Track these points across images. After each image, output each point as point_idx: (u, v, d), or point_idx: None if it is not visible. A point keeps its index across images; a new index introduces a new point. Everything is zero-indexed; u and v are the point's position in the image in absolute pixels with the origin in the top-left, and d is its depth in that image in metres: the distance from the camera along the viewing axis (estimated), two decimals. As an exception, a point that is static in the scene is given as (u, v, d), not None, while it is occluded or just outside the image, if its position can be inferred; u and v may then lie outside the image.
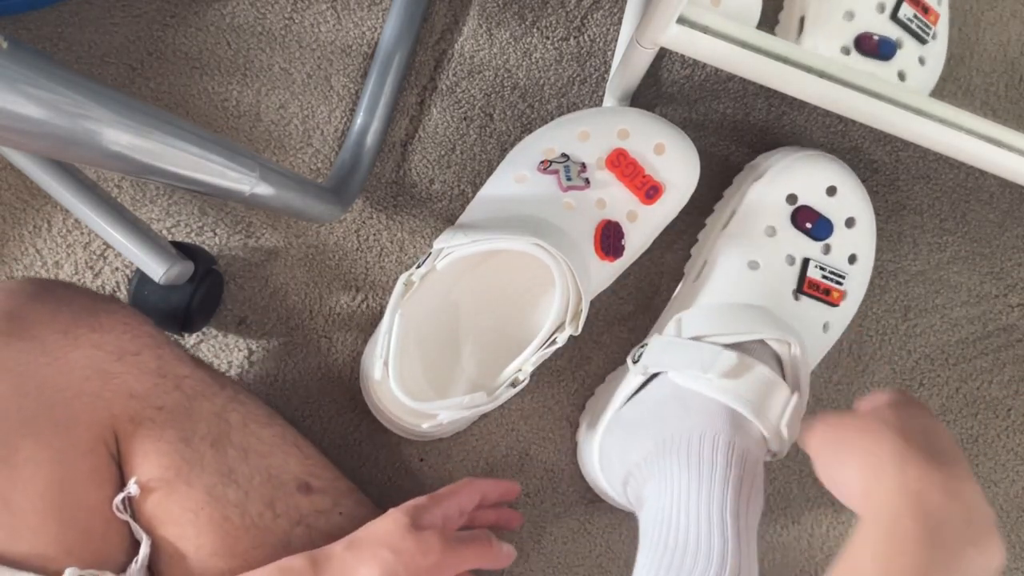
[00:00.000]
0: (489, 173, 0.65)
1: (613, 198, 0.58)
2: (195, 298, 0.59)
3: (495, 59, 0.65)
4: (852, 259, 0.60)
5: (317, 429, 0.63)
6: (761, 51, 0.49)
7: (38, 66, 0.31)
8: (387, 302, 0.64)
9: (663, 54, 0.65)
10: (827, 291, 0.58)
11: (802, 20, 0.60)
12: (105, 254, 0.64)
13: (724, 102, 0.65)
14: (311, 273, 0.64)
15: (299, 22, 0.65)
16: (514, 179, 0.59)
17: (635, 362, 0.57)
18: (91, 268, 0.64)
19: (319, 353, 0.64)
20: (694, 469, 0.49)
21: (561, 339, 0.55)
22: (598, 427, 0.59)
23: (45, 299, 0.48)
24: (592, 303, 0.60)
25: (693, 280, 0.60)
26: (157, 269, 0.55)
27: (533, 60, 0.65)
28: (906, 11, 0.59)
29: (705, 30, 0.49)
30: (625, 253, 0.59)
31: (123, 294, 0.63)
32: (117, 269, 0.64)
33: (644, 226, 0.59)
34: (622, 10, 0.65)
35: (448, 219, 0.65)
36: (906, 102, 0.51)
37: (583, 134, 0.59)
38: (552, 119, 0.65)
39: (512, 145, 0.64)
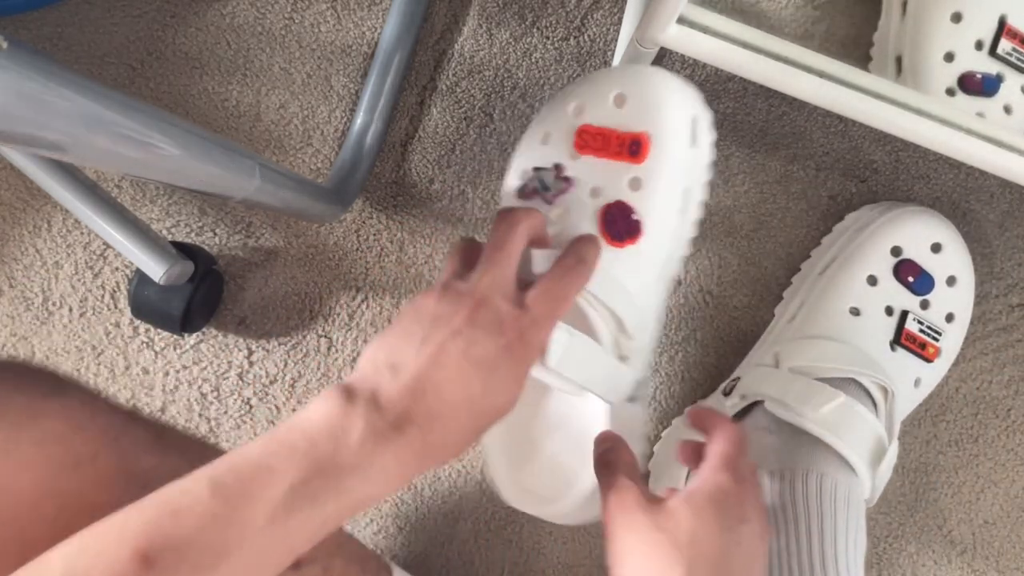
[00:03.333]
0: (489, 173, 0.65)
1: (603, 179, 0.47)
2: (195, 298, 0.59)
3: (495, 59, 0.65)
4: (949, 318, 0.60)
5: (317, 429, 0.63)
6: (761, 51, 0.49)
7: (38, 66, 0.31)
8: (387, 303, 0.64)
9: (663, 54, 0.65)
10: (923, 345, 0.58)
11: (899, 60, 0.60)
12: (105, 254, 0.64)
13: (724, 102, 0.65)
14: (311, 273, 0.64)
15: (299, 22, 0.65)
16: None
17: (727, 394, 0.56)
18: (91, 268, 0.63)
19: (319, 353, 0.64)
20: (801, 508, 0.49)
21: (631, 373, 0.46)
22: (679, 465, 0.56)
23: None
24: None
25: (788, 321, 0.60)
26: (157, 269, 0.55)
27: (533, 60, 0.65)
28: (1004, 46, 0.59)
29: (705, 30, 0.49)
30: (646, 226, 0.46)
31: (123, 294, 0.63)
32: (117, 269, 0.64)
33: (654, 185, 0.47)
34: (622, 10, 0.65)
35: (448, 219, 0.65)
36: (906, 102, 0.51)
37: (543, 136, 0.49)
38: (552, 119, 0.65)
39: (512, 145, 0.64)
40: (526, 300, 0.39)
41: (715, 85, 0.65)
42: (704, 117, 0.48)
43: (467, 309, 0.38)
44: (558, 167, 0.48)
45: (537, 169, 0.49)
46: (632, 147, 0.47)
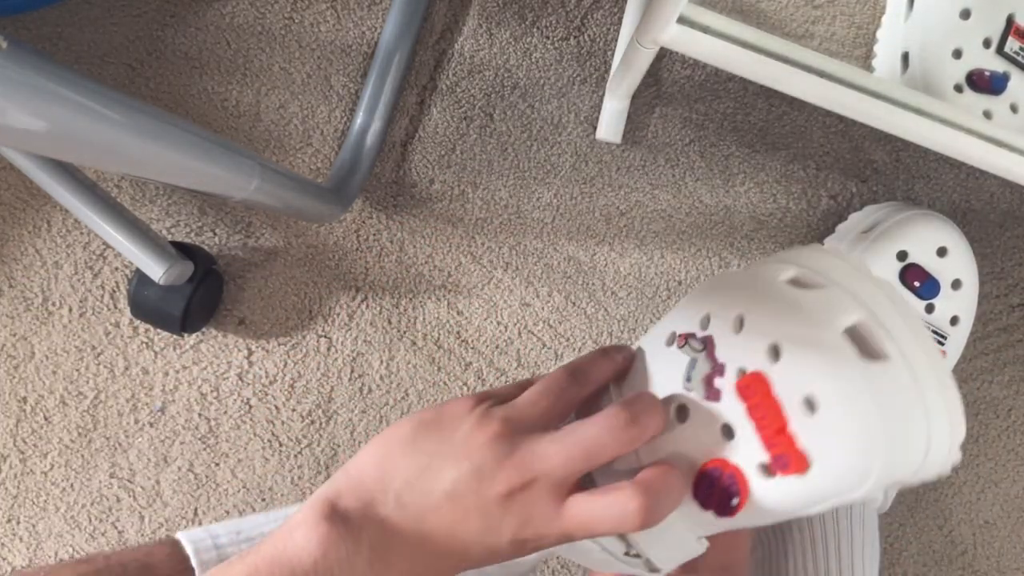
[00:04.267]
0: (489, 173, 0.65)
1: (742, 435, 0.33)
2: (195, 298, 0.59)
3: (495, 59, 0.65)
4: (954, 321, 0.60)
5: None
6: (761, 51, 0.49)
7: (38, 66, 0.31)
8: (387, 303, 0.64)
9: (663, 54, 0.65)
10: None
11: (905, 56, 0.60)
12: (105, 254, 0.64)
13: (724, 102, 0.65)
14: (311, 273, 0.64)
15: (299, 22, 0.65)
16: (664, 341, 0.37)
17: None
18: (91, 268, 0.63)
19: (319, 353, 0.64)
20: (819, 530, 0.49)
21: None
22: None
23: None
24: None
25: None
26: (157, 269, 0.55)
27: (533, 60, 0.65)
28: (1012, 45, 0.59)
29: (705, 30, 0.49)
30: (735, 515, 0.33)
31: (123, 294, 0.63)
32: (117, 269, 0.64)
33: (764, 499, 0.32)
34: (622, 10, 0.65)
35: (448, 219, 0.65)
36: (906, 102, 0.51)
37: (736, 320, 0.34)
38: (552, 119, 0.65)
39: (512, 146, 0.64)
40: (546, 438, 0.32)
41: (715, 85, 0.65)
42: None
43: (496, 439, 0.31)
44: (721, 367, 0.34)
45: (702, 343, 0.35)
46: (781, 457, 0.32)
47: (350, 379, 0.63)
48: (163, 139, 0.39)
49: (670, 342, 0.36)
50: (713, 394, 0.34)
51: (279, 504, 0.63)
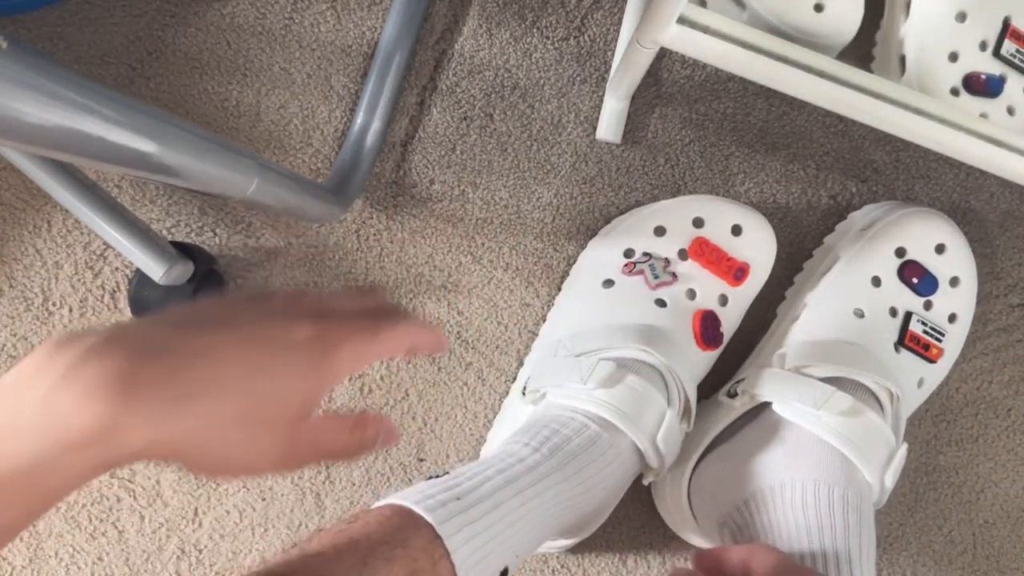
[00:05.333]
0: (489, 173, 0.65)
1: (702, 287, 0.58)
2: (195, 298, 0.59)
3: (495, 59, 0.65)
4: (952, 318, 0.60)
5: (317, 429, 0.63)
6: (761, 51, 0.49)
7: (38, 66, 0.31)
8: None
9: (663, 54, 0.65)
10: (927, 346, 0.58)
11: (902, 59, 0.60)
12: (105, 254, 0.64)
13: (724, 102, 0.65)
14: (311, 273, 0.64)
15: (299, 22, 0.65)
16: (601, 284, 0.59)
17: (732, 395, 0.57)
18: (91, 268, 0.64)
19: (319, 353, 0.64)
20: (812, 522, 0.49)
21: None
22: (686, 463, 0.57)
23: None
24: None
25: (791, 321, 0.60)
26: (157, 269, 0.55)
27: (533, 60, 0.65)
28: (1008, 47, 0.59)
29: (705, 30, 0.49)
30: (724, 340, 0.59)
31: (123, 294, 0.63)
32: (117, 269, 0.64)
33: (735, 308, 0.59)
34: (622, 10, 0.65)
35: (448, 219, 0.65)
36: (906, 102, 0.51)
37: (658, 229, 0.59)
38: (552, 119, 0.65)
39: (512, 146, 0.64)
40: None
41: (715, 85, 0.65)
42: None
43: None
44: (667, 260, 0.58)
45: (647, 255, 0.58)
46: (737, 272, 0.58)
47: (350, 379, 0.63)
48: (163, 139, 0.39)
49: (629, 272, 0.58)
50: (674, 277, 0.57)
51: (279, 504, 0.63)
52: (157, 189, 0.65)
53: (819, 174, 0.65)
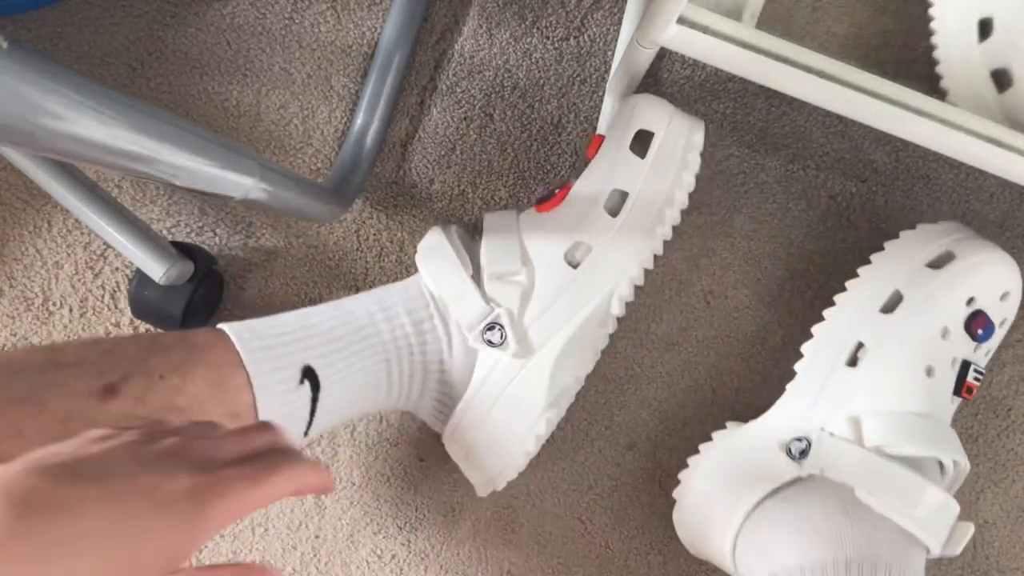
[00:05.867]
0: (489, 173, 0.65)
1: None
2: (195, 298, 0.59)
3: (495, 59, 0.65)
4: (988, 354, 0.59)
5: (317, 429, 0.63)
6: (761, 51, 0.49)
7: (38, 66, 0.31)
8: (387, 302, 0.64)
9: (663, 54, 0.65)
10: (970, 389, 0.56)
11: (998, 73, 0.57)
12: (105, 254, 0.64)
13: (724, 102, 0.65)
14: (311, 273, 0.64)
15: (299, 22, 0.65)
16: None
17: (795, 457, 0.54)
18: (91, 268, 0.64)
19: (319, 353, 0.64)
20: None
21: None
22: (733, 515, 0.54)
23: None
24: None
25: (847, 363, 0.55)
26: (157, 269, 0.56)
27: (533, 60, 0.65)
28: None
29: (705, 30, 0.49)
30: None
31: (123, 294, 0.63)
32: (117, 269, 0.64)
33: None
34: (622, 10, 0.65)
35: (448, 219, 0.65)
36: (906, 102, 0.51)
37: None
38: (552, 119, 0.65)
39: (512, 146, 0.64)
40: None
41: (715, 85, 0.65)
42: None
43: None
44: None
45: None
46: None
47: (350, 379, 0.63)
48: (163, 139, 0.39)
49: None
50: (565, 188, 0.57)
51: (279, 504, 0.63)
52: (157, 189, 0.65)
53: (819, 174, 0.65)
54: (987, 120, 0.52)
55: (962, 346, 0.56)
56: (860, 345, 0.56)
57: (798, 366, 0.58)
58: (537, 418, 0.55)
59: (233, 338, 0.48)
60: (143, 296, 0.59)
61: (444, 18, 0.65)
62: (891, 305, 0.56)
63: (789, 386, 0.58)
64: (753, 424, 0.58)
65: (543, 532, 0.63)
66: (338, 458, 0.63)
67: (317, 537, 0.63)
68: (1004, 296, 0.58)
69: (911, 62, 0.64)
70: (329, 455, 0.63)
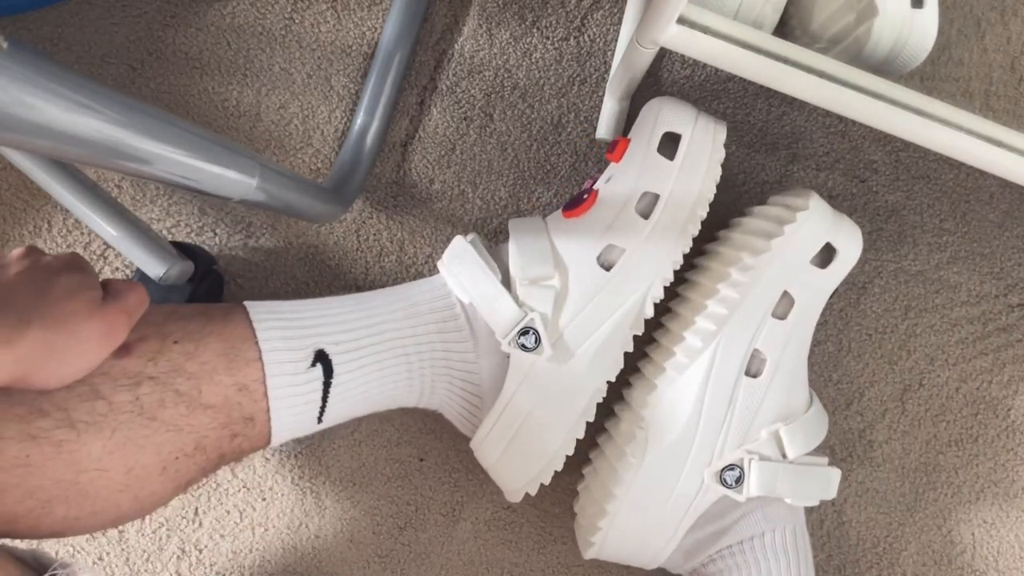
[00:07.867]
0: (489, 173, 0.65)
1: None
2: (195, 298, 0.59)
3: (495, 59, 0.65)
4: None
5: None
6: (761, 51, 0.49)
7: (38, 66, 0.31)
8: (387, 302, 0.64)
9: (663, 54, 0.65)
10: None
11: None
12: (105, 254, 0.64)
13: (724, 102, 0.65)
14: (311, 273, 0.64)
15: (299, 22, 0.65)
16: None
17: (730, 486, 0.54)
18: (91, 268, 0.64)
19: (319, 353, 0.64)
20: (793, 558, 0.55)
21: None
22: (670, 541, 0.56)
23: None
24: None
25: (764, 377, 0.54)
26: (157, 269, 0.55)
27: (533, 60, 0.65)
28: None
29: (705, 30, 0.49)
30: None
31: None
32: (117, 269, 0.64)
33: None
34: (622, 10, 0.65)
35: (448, 219, 0.65)
36: (906, 102, 0.51)
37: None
38: (552, 119, 0.65)
39: (512, 146, 0.64)
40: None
41: (715, 85, 0.65)
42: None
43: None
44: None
45: None
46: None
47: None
48: (163, 139, 0.39)
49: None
50: (592, 193, 0.56)
51: (279, 504, 0.63)
52: (157, 189, 0.65)
53: (819, 174, 0.65)
54: (987, 120, 0.52)
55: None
56: (767, 361, 0.55)
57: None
58: (576, 421, 0.55)
59: (251, 313, 0.49)
60: (143, 296, 0.59)
61: (444, 18, 0.65)
62: (781, 311, 0.56)
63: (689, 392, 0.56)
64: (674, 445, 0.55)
65: (543, 532, 0.63)
66: (338, 458, 0.63)
67: (317, 537, 0.63)
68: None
69: (911, 62, 0.64)
70: (329, 455, 0.63)
